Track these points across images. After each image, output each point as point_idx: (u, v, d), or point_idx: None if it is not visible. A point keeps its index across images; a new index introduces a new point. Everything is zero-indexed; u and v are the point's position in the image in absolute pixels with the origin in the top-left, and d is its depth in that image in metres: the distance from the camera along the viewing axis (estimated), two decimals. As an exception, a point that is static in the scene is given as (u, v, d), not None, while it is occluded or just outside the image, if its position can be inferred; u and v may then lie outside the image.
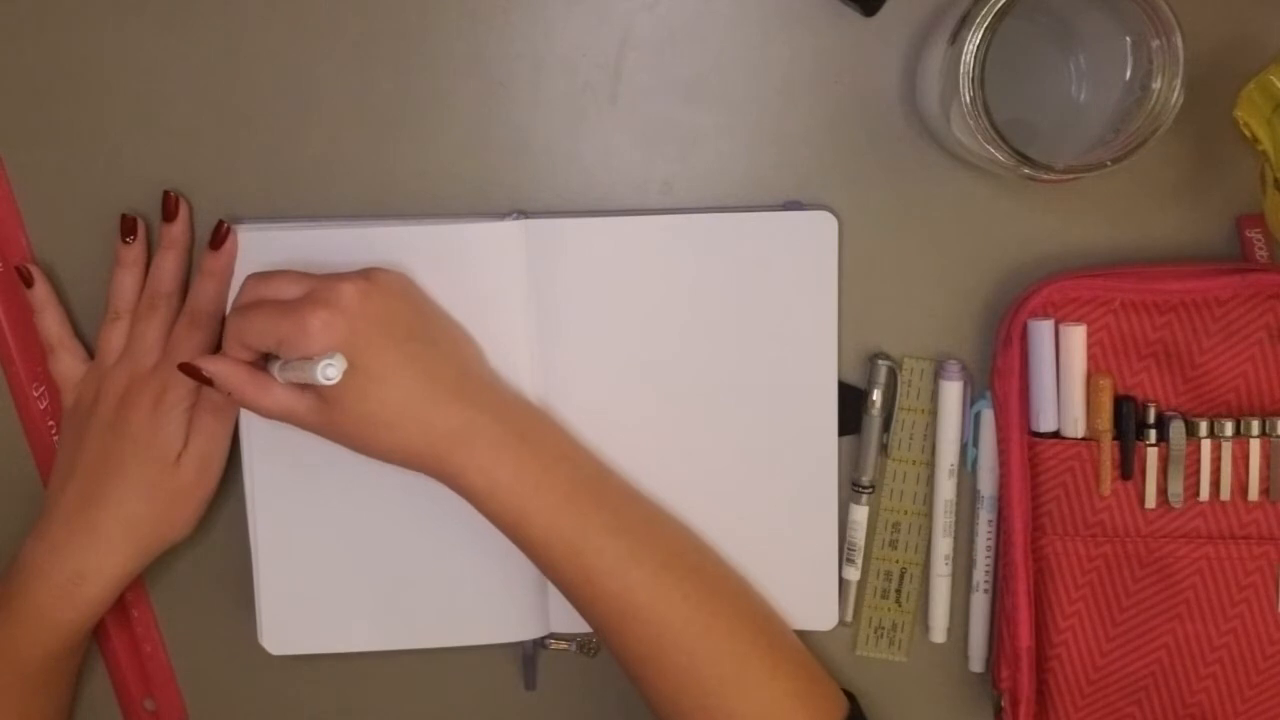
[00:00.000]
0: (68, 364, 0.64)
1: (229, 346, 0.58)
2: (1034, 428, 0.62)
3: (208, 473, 0.63)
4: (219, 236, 0.61)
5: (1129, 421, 0.61)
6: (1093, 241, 0.64)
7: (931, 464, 0.65)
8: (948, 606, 0.66)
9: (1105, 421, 0.61)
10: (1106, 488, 0.61)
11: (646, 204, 0.64)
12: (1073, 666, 0.62)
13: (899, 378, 0.64)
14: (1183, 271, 0.61)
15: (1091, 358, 0.61)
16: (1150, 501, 0.61)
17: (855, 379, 0.65)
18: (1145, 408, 0.61)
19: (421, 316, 0.60)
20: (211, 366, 0.58)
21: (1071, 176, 0.54)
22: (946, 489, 0.65)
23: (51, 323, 0.64)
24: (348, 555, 0.65)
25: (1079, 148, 0.56)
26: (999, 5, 0.52)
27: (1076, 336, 0.61)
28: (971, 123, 0.53)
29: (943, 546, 0.65)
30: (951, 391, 0.64)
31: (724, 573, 0.64)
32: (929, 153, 0.63)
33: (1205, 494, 0.61)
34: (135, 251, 0.63)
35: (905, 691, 0.67)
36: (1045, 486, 0.62)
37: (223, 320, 0.62)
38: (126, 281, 0.63)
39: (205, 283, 0.62)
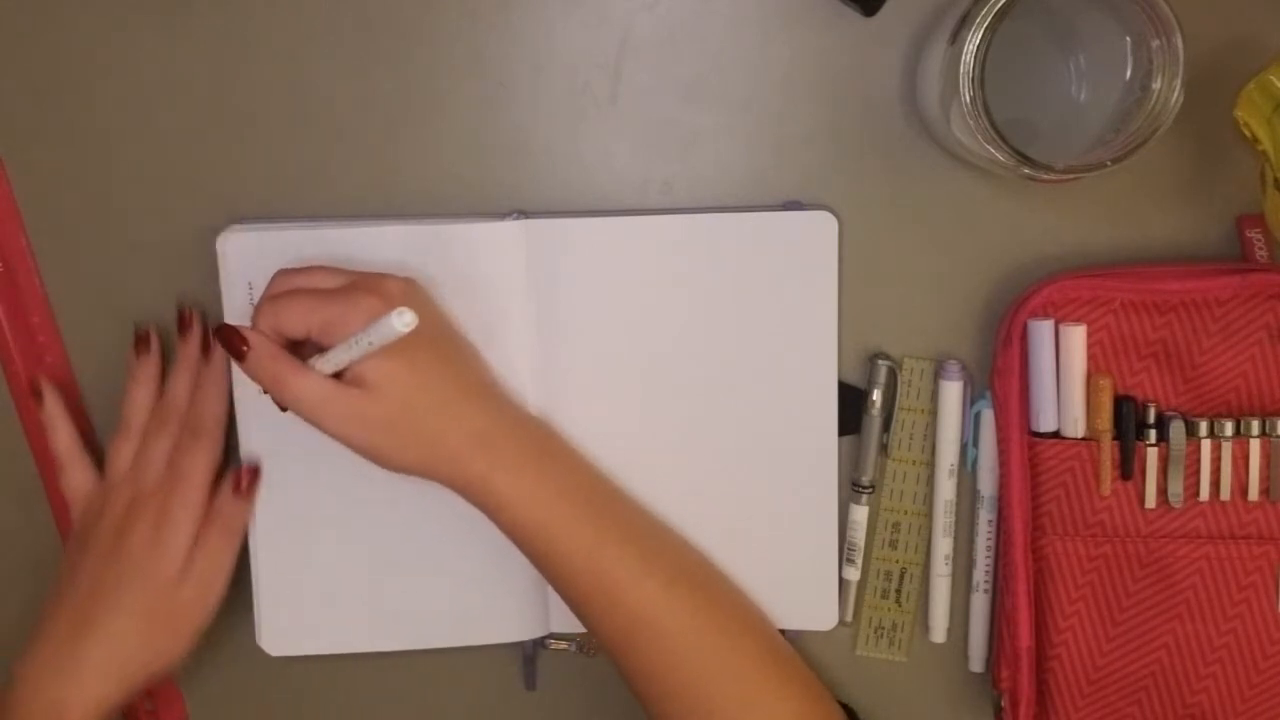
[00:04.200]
0: (78, 480, 0.63)
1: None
2: (1034, 428, 0.62)
3: (208, 594, 0.62)
4: (184, 322, 0.63)
5: (1129, 421, 0.61)
6: (1093, 241, 0.64)
7: (931, 464, 0.65)
8: (948, 606, 0.66)
9: (1105, 421, 0.61)
10: (1106, 488, 0.61)
11: (646, 204, 0.64)
12: (1073, 666, 0.62)
13: (899, 378, 0.64)
14: (1183, 271, 0.61)
15: (1091, 358, 0.61)
16: (1150, 501, 0.61)
17: (855, 379, 0.65)
18: (1145, 408, 0.61)
19: (447, 324, 0.61)
20: (251, 336, 0.57)
21: (1072, 176, 0.54)
22: (946, 489, 0.65)
23: (62, 439, 0.64)
24: (347, 556, 0.65)
25: (1079, 148, 0.56)
26: (999, 5, 0.52)
27: (1076, 336, 0.61)
28: (971, 123, 0.53)
29: (943, 546, 0.65)
30: (951, 391, 0.64)
31: (727, 587, 0.64)
32: (929, 153, 0.63)
33: (1205, 494, 0.61)
34: (149, 366, 0.63)
35: (905, 691, 0.67)
36: (1045, 486, 0.62)
37: (226, 431, 0.63)
38: (140, 397, 0.63)
39: (206, 392, 0.62)
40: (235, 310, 0.62)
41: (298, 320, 0.57)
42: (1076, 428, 0.61)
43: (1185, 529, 0.61)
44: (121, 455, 0.63)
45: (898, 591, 0.66)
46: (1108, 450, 0.61)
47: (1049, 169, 0.54)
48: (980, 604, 0.66)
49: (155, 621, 0.60)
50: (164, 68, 0.63)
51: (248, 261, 0.62)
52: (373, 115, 0.64)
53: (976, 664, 0.66)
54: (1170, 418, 0.61)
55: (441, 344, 0.59)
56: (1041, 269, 0.63)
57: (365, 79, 0.63)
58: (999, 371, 0.62)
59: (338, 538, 0.65)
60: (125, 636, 0.59)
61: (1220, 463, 0.61)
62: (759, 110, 0.63)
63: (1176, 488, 0.61)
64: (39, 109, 0.64)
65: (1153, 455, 0.61)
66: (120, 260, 0.65)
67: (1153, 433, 0.61)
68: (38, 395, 0.64)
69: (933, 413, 0.65)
